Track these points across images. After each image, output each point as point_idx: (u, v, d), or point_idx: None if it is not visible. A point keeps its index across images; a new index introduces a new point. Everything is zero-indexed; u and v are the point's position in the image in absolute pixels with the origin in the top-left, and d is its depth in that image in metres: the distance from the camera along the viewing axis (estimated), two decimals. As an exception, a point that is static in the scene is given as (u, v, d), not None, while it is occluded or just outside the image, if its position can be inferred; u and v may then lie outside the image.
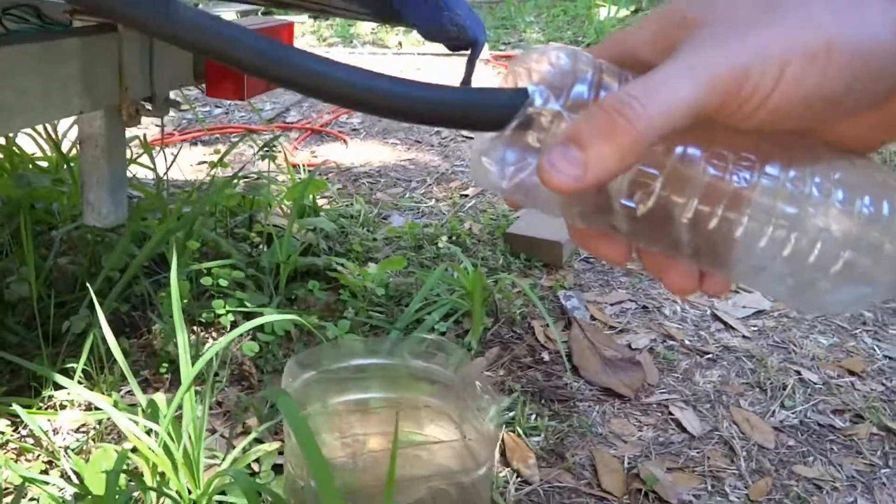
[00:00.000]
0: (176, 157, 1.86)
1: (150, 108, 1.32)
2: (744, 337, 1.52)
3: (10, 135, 1.71)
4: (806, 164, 0.31)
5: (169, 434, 0.92)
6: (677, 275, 0.35)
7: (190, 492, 0.94)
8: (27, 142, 1.80)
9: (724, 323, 1.56)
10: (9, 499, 1.01)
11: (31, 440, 1.10)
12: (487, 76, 3.74)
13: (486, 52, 4.13)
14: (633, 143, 0.28)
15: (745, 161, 0.31)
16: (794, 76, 0.28)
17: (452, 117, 0.30)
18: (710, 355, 1.45)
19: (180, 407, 0.95)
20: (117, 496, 0.81)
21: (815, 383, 1.38)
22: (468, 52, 1.03)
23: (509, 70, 0.33)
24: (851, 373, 1.41)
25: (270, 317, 1.13)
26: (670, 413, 1.28)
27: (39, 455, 1.07)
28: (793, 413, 1.30)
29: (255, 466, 1.08)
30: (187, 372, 0.93)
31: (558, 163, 0.28)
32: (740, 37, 0.28)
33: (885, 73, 0.29)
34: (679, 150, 0.31)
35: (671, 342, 1.49)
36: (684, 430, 1.24)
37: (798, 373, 1.40)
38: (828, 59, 0.28)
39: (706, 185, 0.31)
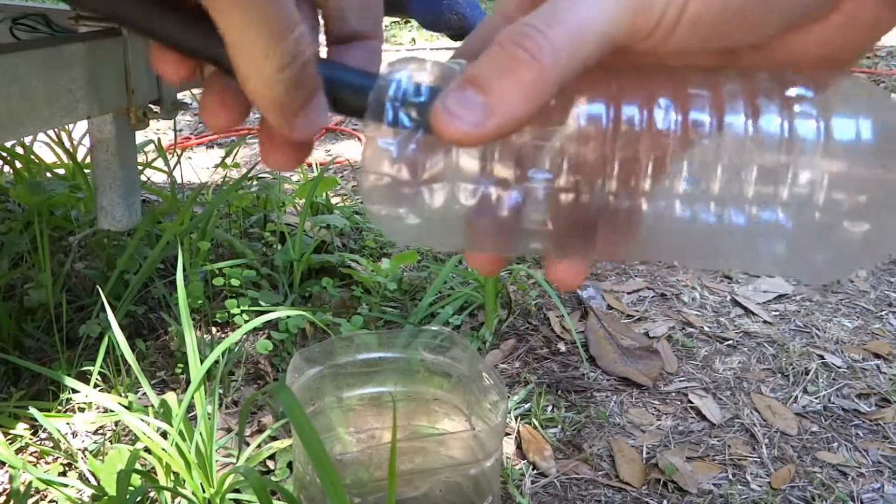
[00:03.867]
0: (180, 157, 1.87)
1: (158, 111, 1.33)
2: (765, 322, 1.49)
3: (27, 144, 1.73)
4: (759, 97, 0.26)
5: (180, 433, 0.92)
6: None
7: (204, 490, 0.94)
8: (44, 150, 1.83)
9: (745, 308, 1.53)
10: (30, 501, 1.02)
11: (49, 443, 1.12)
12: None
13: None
14: (538, 79, 0.23)
15: (698, 98, 0.26)
16: None
17: None
18: (730, 342, 1.42)
19: (194, 406, 0.96)
20: (129, 496, 0.81)
21: (839, 367, 1.34)
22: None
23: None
24: (877, 356, 1.38)
25: (280, 313, 1.13)
26: (689, 401, 1.26)
27: (58, 458, 1.08)
28: (816, 398, 1.27)
29: (271, 464, 1.08)
30: (196, 370, 0.93)
31: (455, 108, 0.23)
32: None
33: None
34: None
35: (690, 329, 1.47)
36: (704, 418, 1.22)
37: (821, 357, 1.37)
38: None
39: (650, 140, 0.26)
